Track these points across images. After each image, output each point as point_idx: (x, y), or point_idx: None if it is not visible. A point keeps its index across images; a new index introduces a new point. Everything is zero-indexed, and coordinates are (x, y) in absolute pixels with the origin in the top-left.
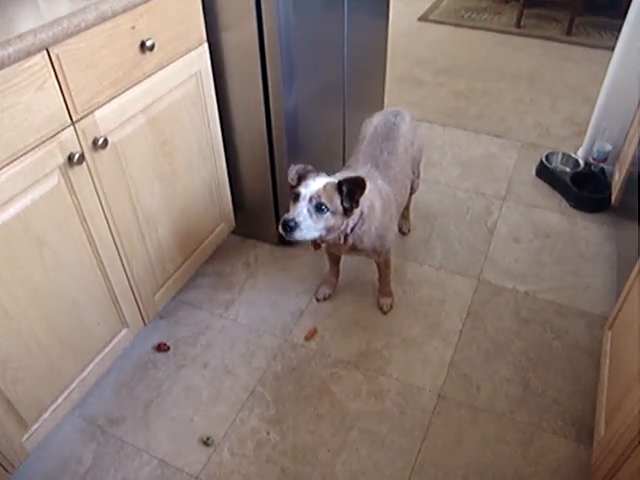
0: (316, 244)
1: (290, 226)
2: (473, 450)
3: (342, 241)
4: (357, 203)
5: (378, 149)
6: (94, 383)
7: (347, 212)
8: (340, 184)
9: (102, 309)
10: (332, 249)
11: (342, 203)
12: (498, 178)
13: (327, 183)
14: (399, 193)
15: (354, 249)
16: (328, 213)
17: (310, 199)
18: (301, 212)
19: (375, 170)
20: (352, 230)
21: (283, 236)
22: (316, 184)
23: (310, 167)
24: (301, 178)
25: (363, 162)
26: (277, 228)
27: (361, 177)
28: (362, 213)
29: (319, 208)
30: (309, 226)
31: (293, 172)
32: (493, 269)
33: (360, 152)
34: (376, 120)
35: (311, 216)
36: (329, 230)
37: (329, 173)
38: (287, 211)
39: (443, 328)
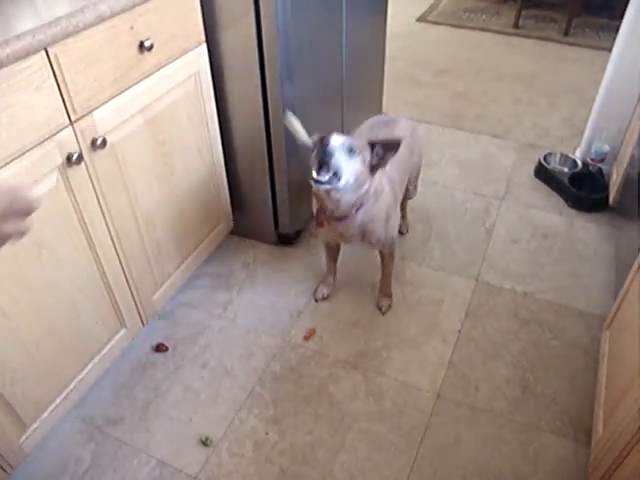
0: (319, 221)
1: (326, 153)
2: (472, 450)
3: (354, 212)
4: (385, 163)
5: (377, 134)
6: (93, 384)
7: (373, 170)
8: (372, 144)
9: (100, 309)
10: (340, 229)
11: (371, 159)
12: (496, 178)
13: (358, 137)
14: (398, 176)
15: (362, 231)
16: (359, 157)
17: (342, 143)
18: (336, 146)
19: None
20: (362, 206)
21: (315, 182)
22: (341, 137)
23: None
24: (323, 140)
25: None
26: (276, 228)
27: (397, 139)
28: (375, 190)
29: (351, 150)
30: (342, 161)
31: (315, 137)
32: (491, 269)
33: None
34: (373, 119)
35: (343, 153)
36: (355, 180)
37: None
38: (285, 211)
39: (442, 328)
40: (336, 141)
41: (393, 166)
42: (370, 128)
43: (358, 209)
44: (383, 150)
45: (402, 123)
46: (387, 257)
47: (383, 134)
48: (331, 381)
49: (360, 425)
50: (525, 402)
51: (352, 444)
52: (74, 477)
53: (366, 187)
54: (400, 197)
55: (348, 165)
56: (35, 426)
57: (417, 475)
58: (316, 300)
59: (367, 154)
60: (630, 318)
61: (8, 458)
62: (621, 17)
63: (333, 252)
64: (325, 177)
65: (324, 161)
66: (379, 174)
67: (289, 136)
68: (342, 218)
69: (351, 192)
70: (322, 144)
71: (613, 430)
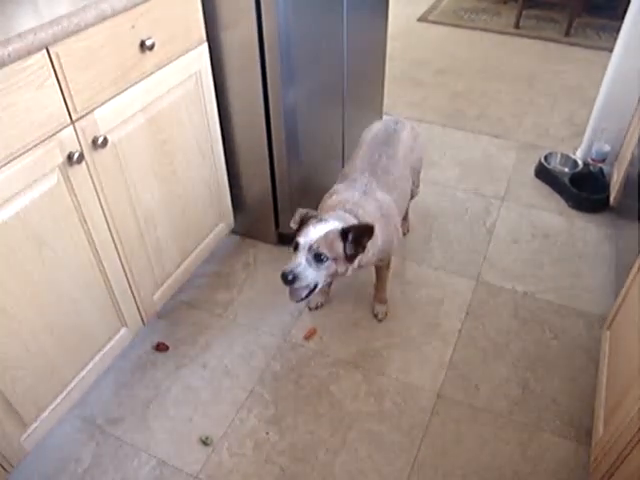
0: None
1: (288, 279)
2: (472, 450)
3: (347, 274)
4: (364, 248)
5: (377, 154)
6: (93, 383)
7: (351, 258)
8: (344, 231)
9: (101, 308)
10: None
11: (345, 250)
12: (497, 178)
13: (329, 231)
14: (400, 198)
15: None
16: (328, 261)
17: (309, 248)
18: (300, 263)
19: (373, 179)
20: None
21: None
22: (316, 232)
23: (314, 212)
24: (303, 223)
25: (361, 169)
26: (277, 228)
27: (369, 225)
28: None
29: (318, 258)
30: (308, 276)
31: (297, 216)
32: (492, 269)
33: (358, 157)
34: (375, 127)
35: (310, 265)
36: (332, 276)
37: (328, 174)
38: (286, 211)
39: (442, 328)
40: (300, 259)
41: (391, 185)
42: (371, 147)
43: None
44: (356, 236)
45: (403, 135)
46: (383, 266)
47: (385, 155)
48: (331, 381)
49: (360, 425)
50: (525, 402)
51: (352, 444)
52: (74, 476)
53: (347, 268)
54: (404, 207)
55: (317, 276)
56: (36, 425)
57: (417, 475)
58: (310, 309)
59: (339, 249)
60: (630, 318)
61: (8, 457)
62: (622, 17)
63: None
64: (294, 288)
65: (291, 281)
66: (371, 215)
67: (290, 136)
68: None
69: (334, 278)
70: (294, 248)
71: (614, 430)
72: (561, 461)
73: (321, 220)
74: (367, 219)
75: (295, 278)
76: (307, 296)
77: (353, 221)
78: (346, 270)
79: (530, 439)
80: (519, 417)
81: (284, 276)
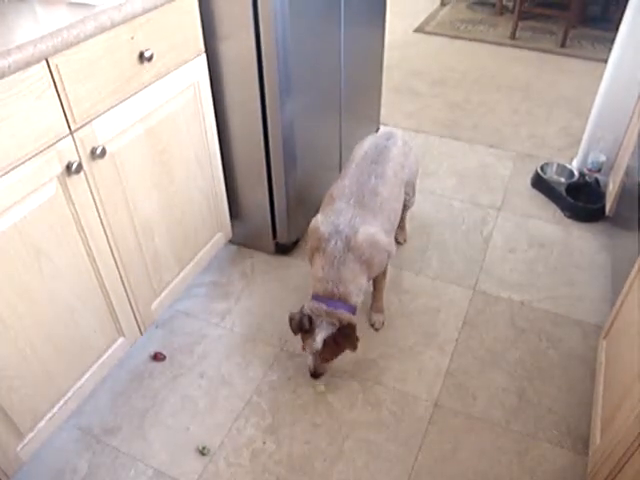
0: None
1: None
2: (469, 459)
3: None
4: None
5: (366, 174)
6: (90, 392)
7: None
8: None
9: (99, 318)
10: None
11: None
12: (493, 188)
13: (326, 338)
14: (387, 220)
15: None
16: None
17: (314, 353)
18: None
19: (358, 210)
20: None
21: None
22: (316, 343)
23: (305, 312)
24: (302, 327)
25: (348, 194)
26: (274, 238)
27: (352, 323)
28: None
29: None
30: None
31: (293, 325)
32: (489, 279)
33: (347, 177)
34: (366, 144)
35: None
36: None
37: (325, 184)
38: (283, 221)
39: (439, 337)
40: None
41: (378, 206)
42: (360, 167)
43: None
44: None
45: (394, 152)
46: (379, 276)
47: (374, 175)
48: (328, 390)
49: (358, 434)
50: (522, 411)
51: (350, 453)
52: None
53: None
54: (396, 222)
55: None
56: (32, 435)
57: None
58: None
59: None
60: (627, 327)
61: (5, 467)
62: (616, 29)
63: None
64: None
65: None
66: (355, 273)
67: (287, 146)
68: None
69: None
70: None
71: (611, 439)
72: (558, 470)
73: (318, 325)
74: (351, 285)
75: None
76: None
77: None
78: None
79: (527, 448)
80: (516, 426)
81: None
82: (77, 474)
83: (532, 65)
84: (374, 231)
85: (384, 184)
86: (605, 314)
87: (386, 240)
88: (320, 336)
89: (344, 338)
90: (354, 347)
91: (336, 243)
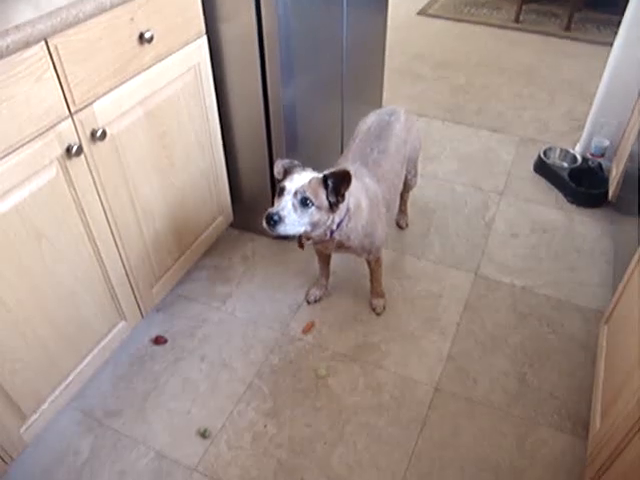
0: (300, 243)
1: (274, 220)
2: (469, 443)
3: (328, 237)
4: (343, 197)
5: (369, 147)
6: (92, 375)
7: (332, 207)
8: (325, 178)
9: (100, 301)
10: (319, 247)
11: (327, 198)
12: (496, 173)
13: (312, 178)
14: (387, 191)
15: (341, 247)
16: (313, 208)
17: (295, 193)
18: (285, 206)
19: (363, 168)
20: (338, 226)
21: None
22: (301, 178)
23: (296, 162)
24: (287, 172)
25: (352, 160)
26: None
27: (346, 170)
28: (348, 210)
29: (304, 202)
30: (293, 221)
31: (279, 166)
32: (490, 263)
33: (350, 151)
34: (370, 119)
35: (295, 210)
36: (314, 225)
37: (326, 166)
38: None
39: (440, 322)
40: (286, 202)
41: (380, 177)
42: (363, 141)
43: (332, 233)
44: (336, 182)
45: (397, 128)
46: (373, 263)
47: (377, 149)
48: (330, 374)
49: (358, 418)
50: (523, 396)
51: (350, 437)
52: (73, 468)
53: (332, 219)
54: (394, 201)
55: (300, 222)
56: (35, 417)
57: (415, 467)
58: (308, 302)
59: (322, 196)
60: (628, 313)
61: (8, 449)
62: (622, 12)
63: (324, 256)
64: (277, 231)
65: (275, 222)
66: (358, 191)
67: (289, 128)
68: (319, 241)
69: (315, 230)
70: (278, 194)
71: (611, 423)
72: (558, 454)
73: (305, 169)
74: (354, 191)
75: (280, 220)
76: (286, 235)
77: None
78: (328, 221)
79: (527, 432)
80: (516, 411)
81: (269, 217)
82: (79, 456)
83: (536, 49)
84: (376, 187)
85: (386, 158)
86: (606, 299)
87: (382, 209)
88: (307, 174)
89: (338, 178)
90: (342, 196)
91: None
